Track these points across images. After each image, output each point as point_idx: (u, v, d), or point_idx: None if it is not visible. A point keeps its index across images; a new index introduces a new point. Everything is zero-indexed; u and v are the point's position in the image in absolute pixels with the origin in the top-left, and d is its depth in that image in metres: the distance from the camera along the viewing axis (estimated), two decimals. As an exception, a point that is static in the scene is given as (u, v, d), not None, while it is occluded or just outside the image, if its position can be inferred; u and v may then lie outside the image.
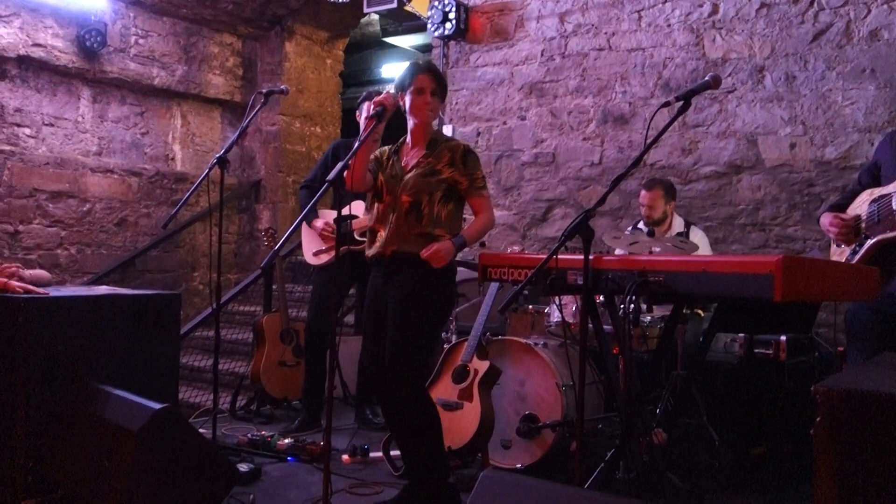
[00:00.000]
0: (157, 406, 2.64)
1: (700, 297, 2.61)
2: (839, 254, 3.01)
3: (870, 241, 2.87)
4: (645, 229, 4.46)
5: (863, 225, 2.93)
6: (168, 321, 3.47)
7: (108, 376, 3.04)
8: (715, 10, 5.22)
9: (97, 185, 6.76)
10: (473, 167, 3.11)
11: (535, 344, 3.76)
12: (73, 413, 2.89)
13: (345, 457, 3.86)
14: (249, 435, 4.05)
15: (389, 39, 9.89)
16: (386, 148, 3.24)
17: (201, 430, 3.63)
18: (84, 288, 4.60)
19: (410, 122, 3.14)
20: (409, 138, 3.19)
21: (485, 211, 3.14)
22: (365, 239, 3.28)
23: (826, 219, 3.05)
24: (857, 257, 2.91)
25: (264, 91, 3.91)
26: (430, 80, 3.06)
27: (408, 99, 3.07)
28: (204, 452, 2.80)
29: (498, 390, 3.72)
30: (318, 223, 4.45)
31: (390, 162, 3.16)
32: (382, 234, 3.09)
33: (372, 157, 3.17)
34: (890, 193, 2.84)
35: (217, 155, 3.65)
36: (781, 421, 3.77)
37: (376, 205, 3.16)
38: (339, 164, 2.70)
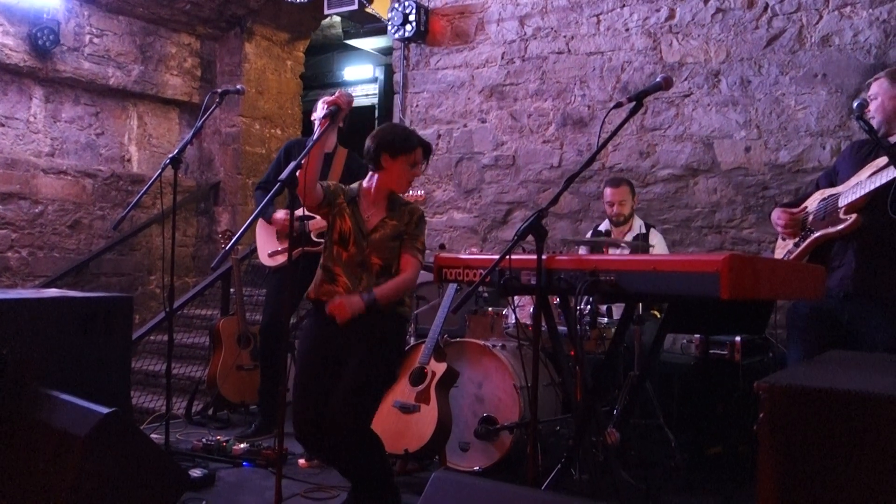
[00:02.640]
0: (104, 410, 2.58)
1: (650, 295, 2.62)
2: (783, 247, 3.07)
3: (812, 236, 2.93)
4: (604, 229, 4.49)
5: (809, 219, 2.99)
6: (119, 325, 3.40)
7: (55, 381, 2.95)
8: (672, 15, 5.27)
9: (49, 187, 6.61)
10: (421, 231, 3.11)
11: (493, 346, 3.76)
12: (17, 418, 2.80)
13: (301, 461, 3.82)
14: (204, 440, 3.98)
15: (351, 42, 9.83)
16: (341, 187, 3.10)
17: (155, 436, 3.57)
18: (32, 291, 4.49)
19: (382, 183, 3.05)
20: (366, 190, 3.08)
21: (409, 271, 3.03)
22: (322, 241, 3.22)
23: (775, 213, 3.11)
24: (798, 250, 2.96)
25: (219, 91, 3.85)
26: (422, 154, 3.08)
27: (397, 165, 3.00)
28: (153, 458, 2.74)
29: (456, 392, 3.71)
30: (279, 214, 4.33)
31: (350, 210, 3.03)
32: (347, 284, 2.97)
33: (329, 184, 3.05)
34: (839, 192, 2.90)
35: (170, 155, 3.59)
36: (736, 421, 3.81)
37: (339, 250, 3.02)
38: (292, 164, 2.67)
